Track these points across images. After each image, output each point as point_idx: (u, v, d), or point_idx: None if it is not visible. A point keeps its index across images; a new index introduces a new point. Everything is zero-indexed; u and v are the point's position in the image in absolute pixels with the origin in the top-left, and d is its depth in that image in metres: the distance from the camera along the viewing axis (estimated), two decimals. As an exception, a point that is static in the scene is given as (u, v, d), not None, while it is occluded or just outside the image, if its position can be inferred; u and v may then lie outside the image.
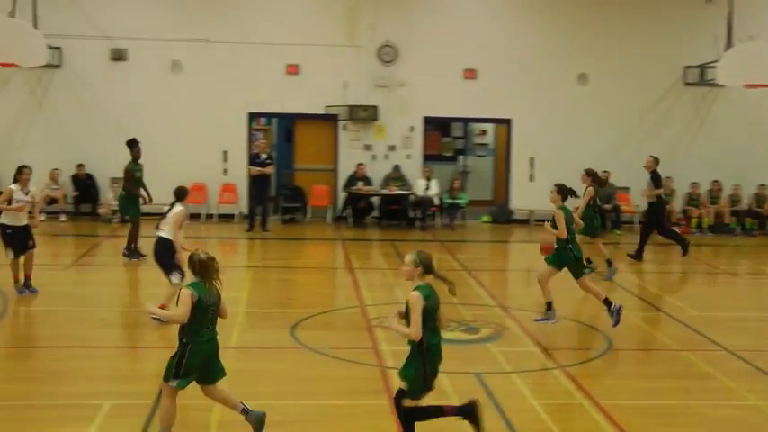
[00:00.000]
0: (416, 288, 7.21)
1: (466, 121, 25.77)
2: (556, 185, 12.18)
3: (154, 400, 8.49)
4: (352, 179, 22.49)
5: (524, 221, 22.80)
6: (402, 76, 22.80)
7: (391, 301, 13.67)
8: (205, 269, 7.38)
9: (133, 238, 16.39)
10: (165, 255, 11.53)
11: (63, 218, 21.71)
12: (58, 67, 21.88)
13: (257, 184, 20.77)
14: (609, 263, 15.73)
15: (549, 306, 11.99)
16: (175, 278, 11.45)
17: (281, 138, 25.39)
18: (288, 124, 24.69)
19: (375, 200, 22.79)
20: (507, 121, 23.57)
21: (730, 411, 9.03)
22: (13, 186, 12.80)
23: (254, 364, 10.21)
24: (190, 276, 7.64)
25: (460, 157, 27.12)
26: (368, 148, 23.03)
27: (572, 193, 12.13)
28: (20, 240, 12.77)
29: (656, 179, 17.69)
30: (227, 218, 22.43)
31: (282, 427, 7.78)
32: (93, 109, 22.02)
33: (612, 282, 15.65)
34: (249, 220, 20.92)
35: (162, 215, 11.87)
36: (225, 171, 22.75)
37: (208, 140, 22.31)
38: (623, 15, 22.96)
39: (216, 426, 8.11)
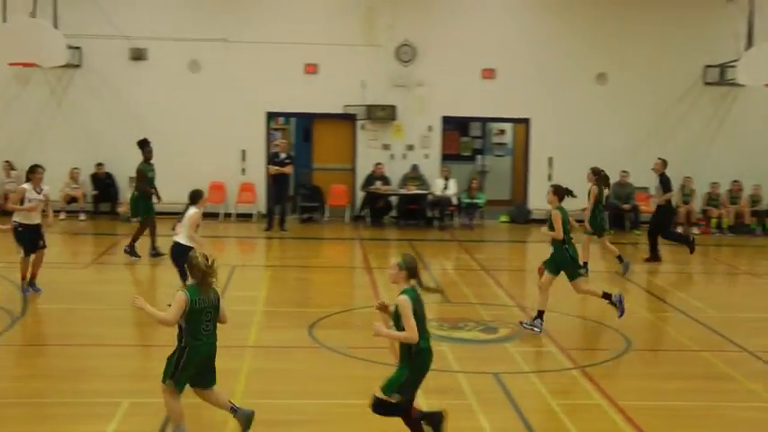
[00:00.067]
0: (403, 292, 7.19)
1: (484, 120, 25.73)
2: (552, 186, 12.10)
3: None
4: (371, 178, 22.49)
5: (543, 221, 22.53)
6: (420, 75, 22.79)
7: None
8: (201, 273, 7.37)
9: (137, 237, 16.46)
10: (180, 259, 11.60)
11: (82, 216, 21.82)
12: (77, 66, 22.00)
13: (276, 184, 20.79)
14: (620, 258, 15.66)
15: (540, 315, 11.75)
16: (190, 282, 11.50)
17: (299, 137, 25.42)
18: (306, 124, 24.72)
19: (393, 199, 22.79)
20: (526, 121, 23.52)
21: (750, 413, 8.98)
22: (26, 185, 12.86)
23: (273, 363, 10.24)
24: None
25: (479, 156, 27.07)
26: (386, 147, 23.04)
27: (569, 193, 12.02)
28: (31, 239, 12.80)
29: (665, 182, 17.60)
30: (245, 217, 22.48)
31: (301, 426, 7.79)
32: (112, 108, 22.13)
33: (631, 281, 15.60)
34: (268, 220, 20.96)
35: (179, 216, 11.97)
36: (243, 170, 22.81)
37: (226, 140, 22.38)
38: (643, 15, 22.86)
39: (235, 423, 8.12)
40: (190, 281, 7.47)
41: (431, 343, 7.35)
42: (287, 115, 24.85)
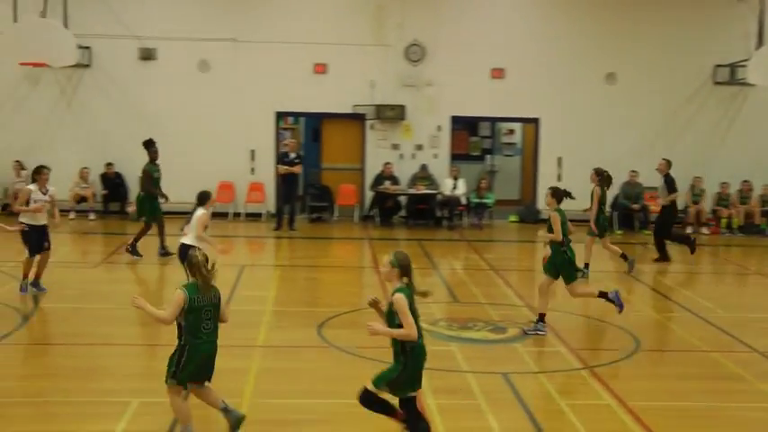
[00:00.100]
0: (398, 290, 7.20)
1: (493, 120, 25.71)
2: (550, 188, 12.05)
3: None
4: (380, 178, 22.50)
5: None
6: (429, 75, 22.79)
7: (418, 301, 13.65)
8: (198, 271, 7.40)
9: (139, 237, 16.51)
10: None
11: (92, 216, 21.88)
12: (87, 66, 22.06)
13: (285, 183, 20.81)
14: (624, 257, 15.62)
15: (542, 318, 11.71)
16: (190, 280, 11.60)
17: (308, 137, 25.44)
18: (315, 123, 24.74)
19: (402, 199, 22.79)
20: (535, 121, 23.50)
21: (760, 414, 8.96)
22: (32, 186, 12.87)
23: (281, 363, 10.24)
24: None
25: (488, 156, 27.05)
26: (395, 147, 23.04)
27: (567, 195, 11.97)
28: (36, 240, 12.82)
29: (669, 182, 17.54)
30: (254, 217, 22.50)
31: (310, 425, 7.80)
32: (121, 108, 22.19)
33: (640, 281, 15.58)
34: (277, 219, 20.98)
35: (187, 216, 12.04)
36: (252, 170, 22.84)
37: (235, 139, 22.42)
38: (653, 14, 22.81)
39: (244, 423, 8.13)
40: (190, 279, 7.48)
41: (423, 341, 7.37)
42: (296, 115, 24.89)
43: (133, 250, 16.40)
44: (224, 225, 20.96)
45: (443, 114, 23.00)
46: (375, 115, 22.65)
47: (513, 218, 23.58)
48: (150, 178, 16.63)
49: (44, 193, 12.88)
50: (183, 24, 22.22)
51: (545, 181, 23.07)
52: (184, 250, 11.67)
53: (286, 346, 10.97)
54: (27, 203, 12.73)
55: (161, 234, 16.58)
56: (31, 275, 13.15)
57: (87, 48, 21.77)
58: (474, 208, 22.83)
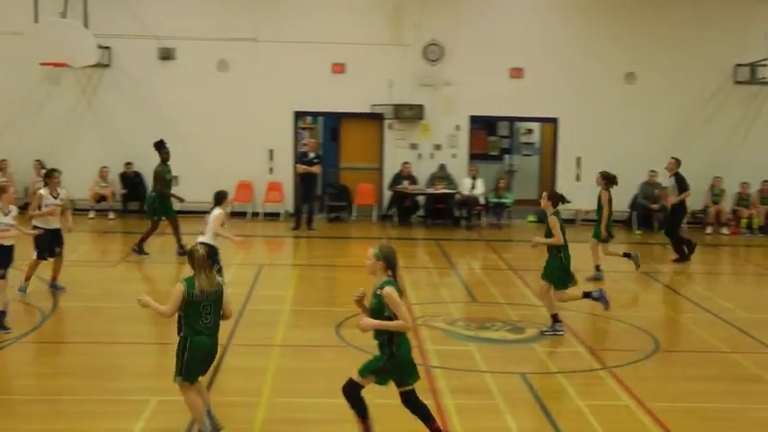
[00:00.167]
0: (386, 284, 7.27)
1: (512, 119, 25.65)
2: (547, 191, 11.99)
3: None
4: (398, 178, 22.49)
5: (571, 221, 22.59)
6: (448, 74, 22.75)
7: (436, 300, 13.67)
8: (199, 265, 7.48)
9: (146, 237, 16.60)
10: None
11: (111, 215, 21.98)
12: (107, 66, 22.15)
13: (304, 183, 20.84)
14: (627, 255, 15.45)
15: (556, 319, 11.64)
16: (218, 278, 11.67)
17: (326, 136, 25.46)
18: (333, 123, 24.76)
19: (420, 199, 22.76)
20: (554, 120, 23.43)
21: (780, 415, 8.91)
22: (43, 191, 12.91)
23: (300, 362, 10.26)
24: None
25: (506, 156, 27.00)
26: (413, 146, 23.02)
27: (563, 199, 11.93)
28: (47, 243, 12.82)
29: (680, 181, 17.43)
30: (272, 216, 22.54)
31: (328, 425, 7.81)
32: (141, 108, 22.26)
33: (660, 282, 15.53)
34: (295, 219, 21.01)
35: (204, 216, 12.15)
36: (271, 170, 22.88)
37: (254, 139, 22.45)
38: (672, 14, 22.69)
39: (261, 422, 8.16)
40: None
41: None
42: (314, 114, 24.92)
43: (140, 249, 16.49)
44: (242, 224, 21.00)
45: (462, 114, 22.96)
46: (393, 115, 22.64)
47: (531, 218, 23.49)
48: (162, 179, 16.67)
49: (55, 197, 12.90)
50: (202, 24, 22.28)
51: (564, 181, 23.07)
52: None
53: (304, 346, 10.99)
54: (39, 208, 12.76)
55: (176, 233, 16.63)
56: (48, 277, 13.25)
57: (107, 48, 21.86)
58: (492, 208, 22.79)
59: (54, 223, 12.92)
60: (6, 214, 11.17)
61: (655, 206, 22.03)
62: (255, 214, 22.60)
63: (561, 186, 22.98)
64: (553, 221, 11.50)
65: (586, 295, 11.89)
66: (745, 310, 13.38)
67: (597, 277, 15.17)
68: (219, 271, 11.89)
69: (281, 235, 20.68)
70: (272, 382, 9.35)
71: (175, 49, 22.37)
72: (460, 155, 23.15)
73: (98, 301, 12.97)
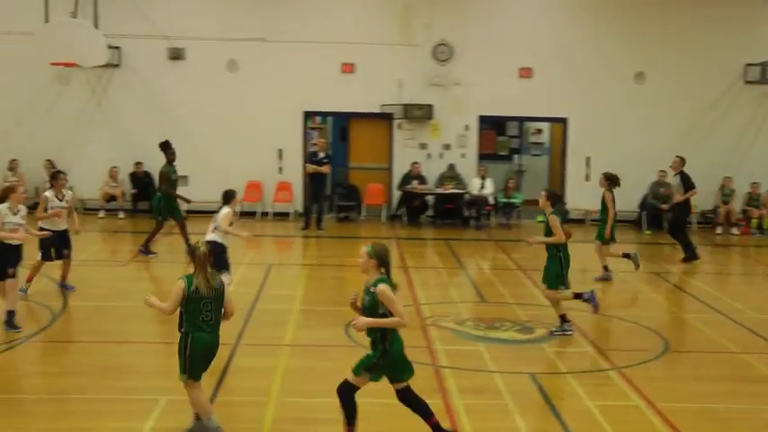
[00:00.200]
0: (379, 281, 7.29)
1: (521, 119, 25.61)
2: (545, 191, 11.94)
3: (209, 396, 8.61)
4: (407, 178, 22.49)
5: (580, 221, 22.56)
6: (457, 74, 22.74)
7: (445, 300, 13.67)
8: (199, 263, 7.55)
9: (151, 237, 16.66)
10: (215, 258, 11.79)
11: (121, 215, 22.03)
12: (117, 66, 22.20)
13: (314, 183, 20.86)
14: (626, 256, 15.41)
15: (564, 319, 11.62)
16: (226, 278, 11.73)
17: (336, 136, 25.47)
18: (343, 123, 24.77)
19: (430, 199, 22.75)
20: (563, 120, 23.39)
21: (791, 416, 8.88)
22: (48, 193, 12.92)
23: (309, 362, 10.27)
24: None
25: (516, 156, 26.97)
26: (423, 146, 23.01)
27: (561, 200, 11.92)
28: (54, 244, 12.81)
29: (685, 179, 17.37)
30: (282, 216, 22.56)
31: (338, 424, 7.79)
32: (151, 107, 22.31)
33: (669, 282, 15.49)
34: (305, 219, 21.02)
35: (212, 215, 12.20)
36: (280, 169, 22.90)
37: (263, 139, 22.48)
38: (682, 13, 22.62)
39: (270, 422, 8.17)
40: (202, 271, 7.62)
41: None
42: (324, 114, 24.93)
43: (146, 250, 16.54)
44: (252, 224, 20.99)
45: (471, 114, 22.95)
46: (403, 115, 22.63)
47: (540, 218, 23.28)
48: (168, 180, 16.70)
49: (60, 199, 12.91)
50: (211, 24, 22.33)
51: (573, 181, 23.05)
52: (211, 247, 11.84)
53: (313, 345, 11.00)
54: (45, 210, 12.78)
55: (184, 234, 16.65)
56: (57, 277, 13.32)
57: (117, 48, 21.90)
58: (502, 208, 22.77)
59: (60, 225, 12.92)
60: (15, 213, 11.20)
61: (664, 206, 21.94)
62: (265, 214, 22.62)
63: (571, 186, 23.07)
64: (553, 220, 11.47)
65: (577, 296, 11.88)
66: (755, 311, 13.34)
67: (606, 277, 15.15)
68: (227, 269, 11.93)
69: (290, 235, 20.70)
70: (281, 381, 9.36)
71: (185, 50, 22.41)
72: (470, 155, 23.13)
73: (108, 300, 13.00)
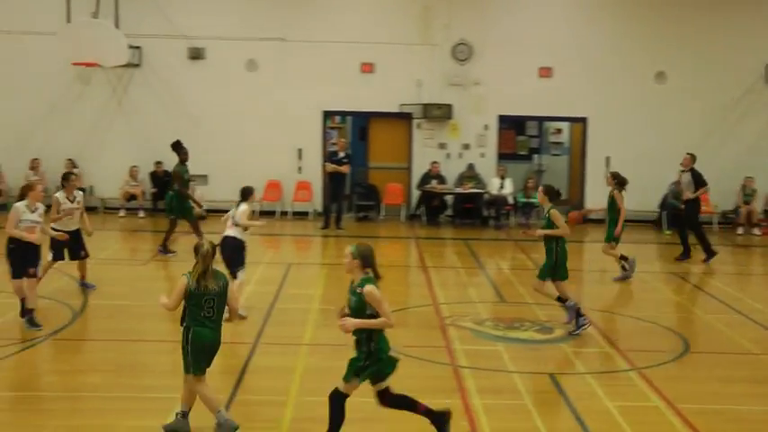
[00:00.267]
0: (365, 282, 7.29)
1: (541, 119, 25.54)
2: (543, 186, 12.01)
3: (228, 395, 8.64)
4: (426, 177, 22.48)
5: (600, 221, 22.47)
6: (476, 74, 22.71)
7: (464, 300, 13.66)
8: (202, 259, 7.64)
9: (168, 236, 16.73)
10: (233, 253, 11.91)
11: (141, 214, 22.14)
12: (137, 66, 22.29)
13: (333, 182, 20.88)
14: (623, 258, 15.35)
15: (578, 313, 11.64)
16: (242, 274, 11.86)
17: (355, 136, 25.48)
18: (362, 122, 24.78)
19: (449, 198, 22.74)
20: (583, 120, 23.32)
21: (813, 418, 8.81)
22: (59, 194, 12.95)
23: (328, 362, 10.24)
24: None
25: (535, 155, 26.88)
26: (442, 146, 23.00)
27: (559, 195, 11.93)
28: (67, 246, 12.81)
29: (697, 176, 17.27)
30: (301, 215, 22.59)
31: (356, 424, 7.80)
32: (171, 107, 22.39)
33: (689, 282, 15.42)
34: (324, 218, 21.05)
35: (230, 212, 12.26)
36: (300, 169, 22.94)
37: (283, 138, 22.52)
38: (702, 13, 22.50)
39: (288, 421, 8.18)
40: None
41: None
42: (343, 114, 24.95)
43: (164, 249, 16.60)
44: (271, 224, 21.02)
45: (490, 113, 22.91)
46: (422, 114, 22.62)
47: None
48: (181, 179, 16.77)
49: (71, 201, 12.95)
50: (231, 24, 22.39)
51: (593, 180, 22.96)
52: (230, 242, 11.92)
53: (332, 345, 10.97)
54: (57, 212, 12.82)
55: (197, 232, 16.68)
56: (77, 276, 13.40)
57: (138, 47, 22.00)
58: (521, 207, 22.73)
59: (72, 225, 12.94)
60: (33, 211, 11.25)
61: (683, 207, 21.81)
62: (284, 213, 22.67)
63: (590, 186, 22.97)
64: (555, 214, 11.54)
65: (560, 300, 11.83)
66: (776, 312, 13.25)
67: (625, 276, 15.10)
68: (243, 265, 11.99)
69: (309, 234, 20.72)
70: (300, 381, 9.38)
71: (205, 49, 22.48)
72: (489, 154, 23.09)
73: (127, 299, 13.06)
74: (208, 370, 7.76)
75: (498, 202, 22.35)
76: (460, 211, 22.62)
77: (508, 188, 22.48)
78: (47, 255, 12.72)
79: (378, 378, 7.47)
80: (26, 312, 11.18)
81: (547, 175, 26.25)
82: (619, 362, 10.53)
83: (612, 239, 15.15)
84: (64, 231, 12.70)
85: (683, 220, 17.81)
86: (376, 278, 7.38)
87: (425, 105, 22.48)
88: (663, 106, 22.60)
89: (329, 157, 21.12)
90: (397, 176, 23.27)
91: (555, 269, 11.70)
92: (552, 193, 11.78)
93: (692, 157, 17.52)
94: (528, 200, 22.67)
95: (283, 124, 22.45)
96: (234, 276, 11.98)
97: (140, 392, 8.89)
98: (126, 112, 22.60)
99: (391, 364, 7.50)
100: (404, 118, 22.89)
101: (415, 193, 22.90)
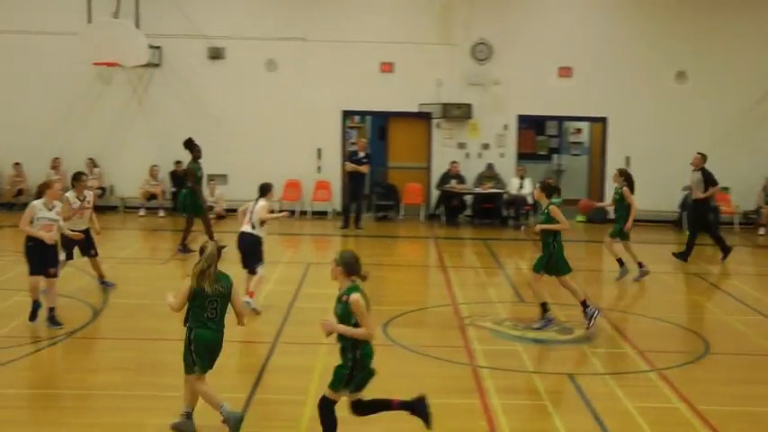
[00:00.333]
0: (351, 290, 7.24)
1: (561, 119, 25.48)
2: (540, 183, 12.10)
3: (247, 394, 8.66)
4: (446, 177, 22.45)
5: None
6: (496, 74, 22.66)
7: (483, 300, 13.63)
8: (206, 260, 7.65)
9: (186, 235, 16.78)
10: (251, 249, 11.98)
11: (161, 213, 22.21)
12: (157, 65, 22.37)
13: (352, 182, 20.89)
14: (620, 262, 15.29)
15: (584, 304, 11.65)
16: (261, 269, 12.05)
17: (374, 135, 25.49)
18: (382, 122, 24.78)
19: (468, 198, 22.70)
20: (603, 120, 23.22)
21: (835, 420, 8.74)
22: (69, 194, 12.99)
23: (346, 361, 10.26)
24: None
25: (555, 155, 26.82)
26: (461, 146, 22.96)
27: (556, 190, 11.94)
28: (78, 244, 12.82)
29: (707, 176, 17.17)
30: (320, 215, 22.62)
31: (373, 423, 7.80)
32: (190, 107, 22.45)
33: (708, 282, 15.34)
34: (343, 218, 21.06)
35: (249, 208, 12.30)
36: (319, 168, 22.96)
37: (302, 138, 22.55)
38: (723, 12, 22.37)
39: (307, 420, 8.18)
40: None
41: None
42: (363, 113, 24.97)
43: (184, 248, 16.65)
44: (290, 223, 21.06)
45: (510, 113, 22.86)
46: (441, 114, 22.60)
47: (579, 218, 23.29)
48: (194, 176, 16.84)
49: (81, 200, 12.99)
50: (251, 24, 22.44)
51: (613, 181, 22.80)
52: (248, 238, 11.99)
53: (351, 344, 10.99)
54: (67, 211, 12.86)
55: (208, 231, 16.73)
56: (95, 275, 13.48)
57: (158, 47, 22.08)
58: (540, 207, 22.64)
59: (81, 225, 12.98)
60: (50, 209, 11.31)
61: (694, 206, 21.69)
62: (304, 213, 22.69)
63: (610, 186, 22.80)
64: (555, 209, 11.66)
65: (542, 306, 11.80)
66: (798, 313, 13.15)
67: (643, 273, 15.03)
68: (262, 260, 12.09)
69: (328, 233, 20.74)
70: (318, 380, 9.36)
71: (225, 49, 22.54)
72: (508, 154, 23.04)
73: (147, 297, 13.09)
74: (210, 369, 7.80)
75: (518, 202, 22.30)
76: (480, 211, 22.58)
77: (527, 188, 22.40)
78: (60, 254, 12.78)
79: (360, 387, 7.43)
80: (34, 316, 11.21)
81: (566, 175, 26.20)
82: (639, 363, 10.48)
83: (619, 235, 15.12)
84: (74, 230, 12.77)
85: (693, 220, 17.72)
86: (362, 279, 7.35)
87: (445, 105, 22.45)
88: (683, 106, 22.48)
89: (349, 156, 21.13)
90: (417, 176, 23.25)
91: (550, 264, 11.72)
92: (549, 189, 11.85)
93: (703, 157, 17.44)
94: (547, 200, 22.57)
95: (303, 124, 22.48)
96: (253, 272, 12.10)
97: (161, 391, 8.91)
98: (146, 111, 22.70)
99: (369, 378, 7.46)
100: (423, 118, 22.88)
101: (435, 193, 22.88)
